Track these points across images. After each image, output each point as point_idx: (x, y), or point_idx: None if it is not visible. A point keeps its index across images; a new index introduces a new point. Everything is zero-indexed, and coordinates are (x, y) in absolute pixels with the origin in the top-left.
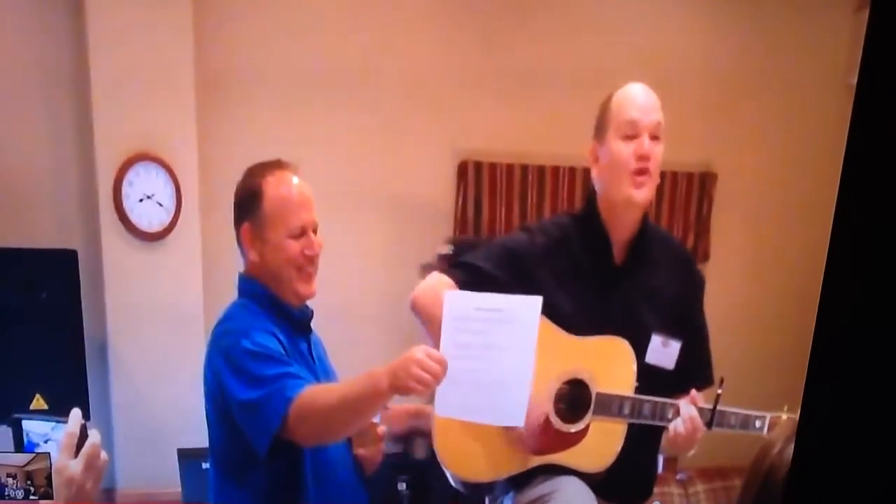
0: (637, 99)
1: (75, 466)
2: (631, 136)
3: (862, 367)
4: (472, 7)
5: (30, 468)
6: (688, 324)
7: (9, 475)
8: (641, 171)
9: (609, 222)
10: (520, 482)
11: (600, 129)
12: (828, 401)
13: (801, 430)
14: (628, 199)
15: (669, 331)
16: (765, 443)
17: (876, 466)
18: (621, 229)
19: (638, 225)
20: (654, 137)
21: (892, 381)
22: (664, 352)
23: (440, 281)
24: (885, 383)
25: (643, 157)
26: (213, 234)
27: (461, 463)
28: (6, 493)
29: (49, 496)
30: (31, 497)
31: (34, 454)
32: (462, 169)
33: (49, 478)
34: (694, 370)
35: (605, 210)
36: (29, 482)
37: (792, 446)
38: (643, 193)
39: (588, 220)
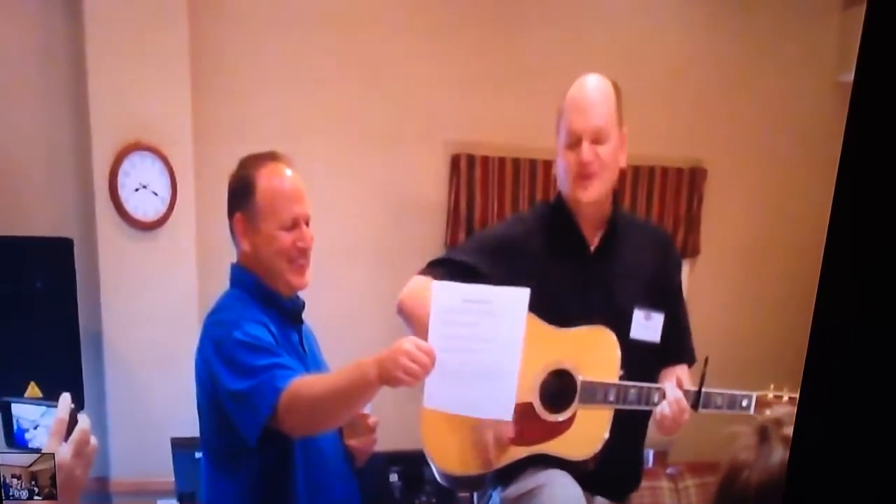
0: (578, 104)
1: (64, 452)
2: (573, 145)
3: (860, 358)
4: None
5: (34, 468)
6: (667, 297)
7: (13, 475)
8: (584, 177)
9: (576, 212)
10: (507, 476)
11: (556, 133)
12: (826, 391)
13: (800, 420)
14: (577, 199)
15: (650, 304)
16: (731, 458)
17: (874, 456)
18: (589, 218)
19: (608, 212)
20: (596, 141)
21: (890, 372)
22: (647, 325)
23: (425, 282)
24: (883, 373)
25: (583, 165)
26: (209, 223)
27: (447, 457)
28: (10, 494)
29: (53, 497)
30: (36, 497)
31: (39, 454)
32: (455, 162)
33: (53, 478)
34: (676, 345)
35: (569, 202)
36: (33, 482)
37: (761, 462)
38: (589, 194)
39: (558, 210)
